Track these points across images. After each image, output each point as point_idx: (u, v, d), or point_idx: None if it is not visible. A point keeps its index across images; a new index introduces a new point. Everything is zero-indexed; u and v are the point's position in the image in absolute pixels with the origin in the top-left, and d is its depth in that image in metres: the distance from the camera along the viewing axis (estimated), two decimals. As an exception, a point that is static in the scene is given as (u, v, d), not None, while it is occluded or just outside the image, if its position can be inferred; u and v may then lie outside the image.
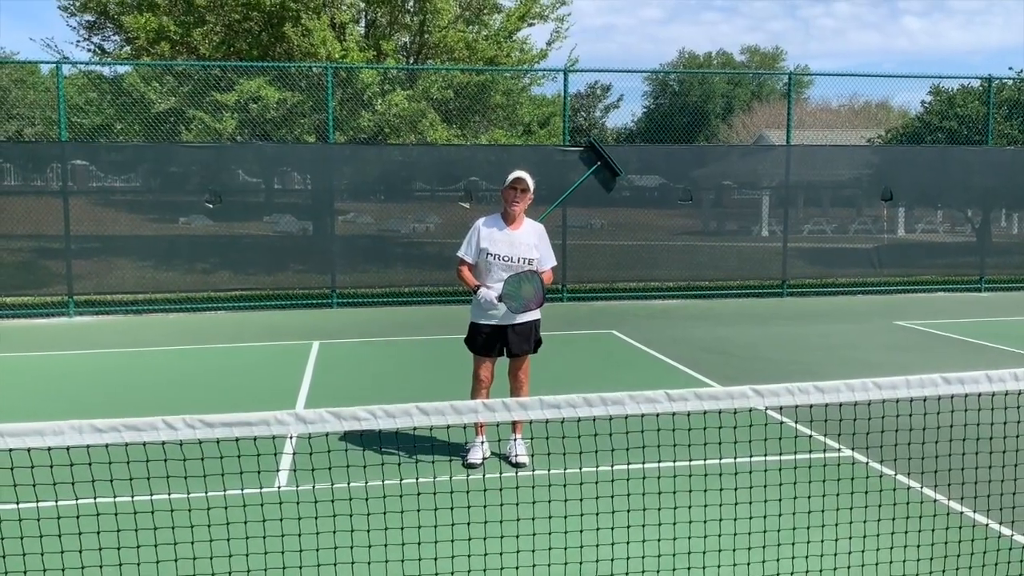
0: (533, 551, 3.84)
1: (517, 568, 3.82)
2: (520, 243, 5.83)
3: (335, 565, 3.69)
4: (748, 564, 4.02)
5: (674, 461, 4.02)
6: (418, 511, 3.64)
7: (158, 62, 14.85)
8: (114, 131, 14.95)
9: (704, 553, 4.01)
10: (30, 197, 13.73)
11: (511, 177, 5.83)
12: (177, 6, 15.39)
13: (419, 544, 3.67)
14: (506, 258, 5.78)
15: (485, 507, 3.69)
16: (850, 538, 4.01)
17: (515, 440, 5.92)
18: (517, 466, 5.75)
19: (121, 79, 15.37)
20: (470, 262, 5.90)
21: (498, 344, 5.89)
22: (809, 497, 4.04)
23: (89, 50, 16.99)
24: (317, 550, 3.69)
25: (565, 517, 3.77)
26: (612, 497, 3.87)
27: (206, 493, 3.42)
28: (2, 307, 13.07)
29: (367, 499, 3.64)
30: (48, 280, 13.12)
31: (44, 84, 22.29)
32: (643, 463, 3.81)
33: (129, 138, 14.79)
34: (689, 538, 3.98)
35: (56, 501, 3.20)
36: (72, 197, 13.10)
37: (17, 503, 3.08)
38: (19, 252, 13.23)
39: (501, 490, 3.86)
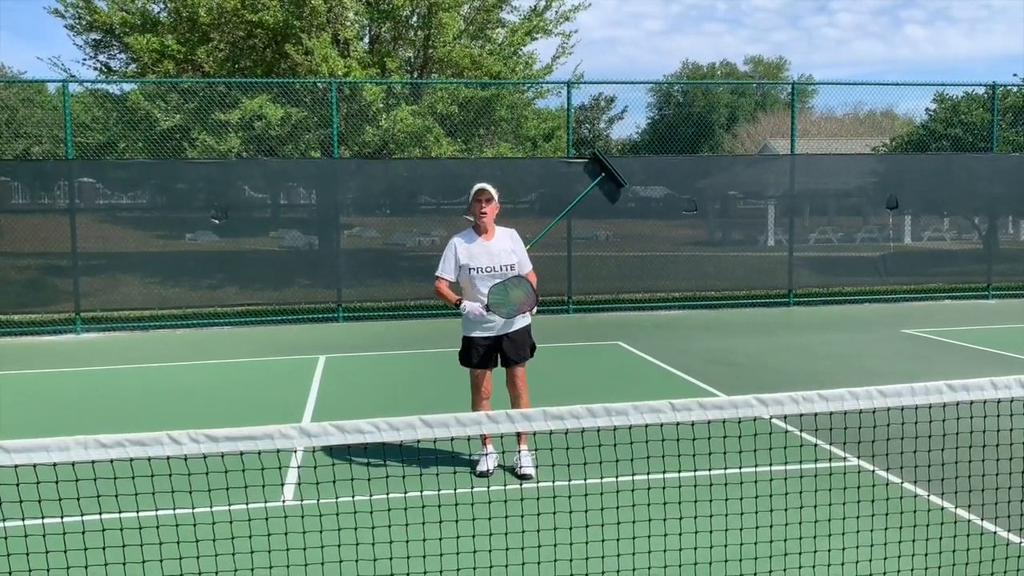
0: (539, 563, 3.83)
1: (523, 580, 3.81)
2: (498, 251, 5.93)
3: (341, 579, 3.68)
4: (755, 574, 4.00)
5: (679, 472, 4.02)
6: (423, 524, 3.63)
7: (164, 79, 14.94)
8: (119, 149, 15.01)
9: (711, 564, 4.00)
10: (37, 215, 13.80)
11: (474, 189, 5.94)
12: (182, 24, 15.47)
13: (424, 557, 3.67)
14: (488, 268, 5.86)
15: (491, 519, 3.69)
16: (857, 547, 3.99)
17: (521, 452, 5.91)
18: (523, 478, 5.74)
19: (126, 97, 15.45)
20: (450, 279, 5.98)
21: (494, 355, 5.94)
22: (816, 506, 4.03)
23: (95, 68, 17.10)
24: (322, 564, 3.68)
25: (571, 528, 3.76)
26: (618, 508, 3.87)
27: (211, 508, 3.43)
28: (10, 324, 13.13)
29: (372, 512, 3.64)
30: (55, 297, 13.18)
31: (51, 103, 22.47)
32: (648, 474, 3.80)
33: (135, 155, 14.85)
34: (696, 548, 3.96)
35: (62, 517, 3.21)
36: (79, 214, 13.16)
37: (23, 519, 3.08)
38: (26, 270, 13.28)
39: (507, 502, 3.86)
